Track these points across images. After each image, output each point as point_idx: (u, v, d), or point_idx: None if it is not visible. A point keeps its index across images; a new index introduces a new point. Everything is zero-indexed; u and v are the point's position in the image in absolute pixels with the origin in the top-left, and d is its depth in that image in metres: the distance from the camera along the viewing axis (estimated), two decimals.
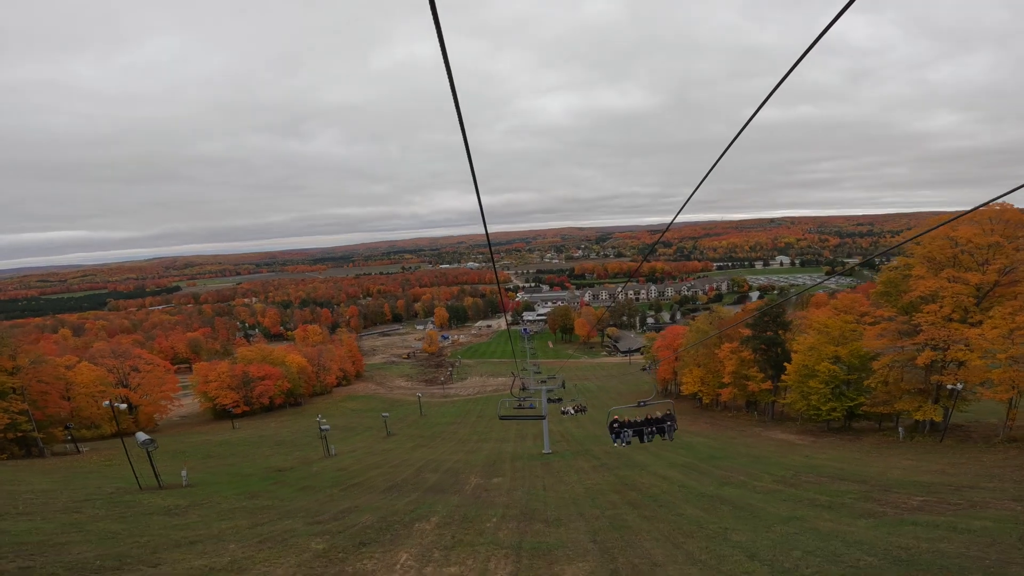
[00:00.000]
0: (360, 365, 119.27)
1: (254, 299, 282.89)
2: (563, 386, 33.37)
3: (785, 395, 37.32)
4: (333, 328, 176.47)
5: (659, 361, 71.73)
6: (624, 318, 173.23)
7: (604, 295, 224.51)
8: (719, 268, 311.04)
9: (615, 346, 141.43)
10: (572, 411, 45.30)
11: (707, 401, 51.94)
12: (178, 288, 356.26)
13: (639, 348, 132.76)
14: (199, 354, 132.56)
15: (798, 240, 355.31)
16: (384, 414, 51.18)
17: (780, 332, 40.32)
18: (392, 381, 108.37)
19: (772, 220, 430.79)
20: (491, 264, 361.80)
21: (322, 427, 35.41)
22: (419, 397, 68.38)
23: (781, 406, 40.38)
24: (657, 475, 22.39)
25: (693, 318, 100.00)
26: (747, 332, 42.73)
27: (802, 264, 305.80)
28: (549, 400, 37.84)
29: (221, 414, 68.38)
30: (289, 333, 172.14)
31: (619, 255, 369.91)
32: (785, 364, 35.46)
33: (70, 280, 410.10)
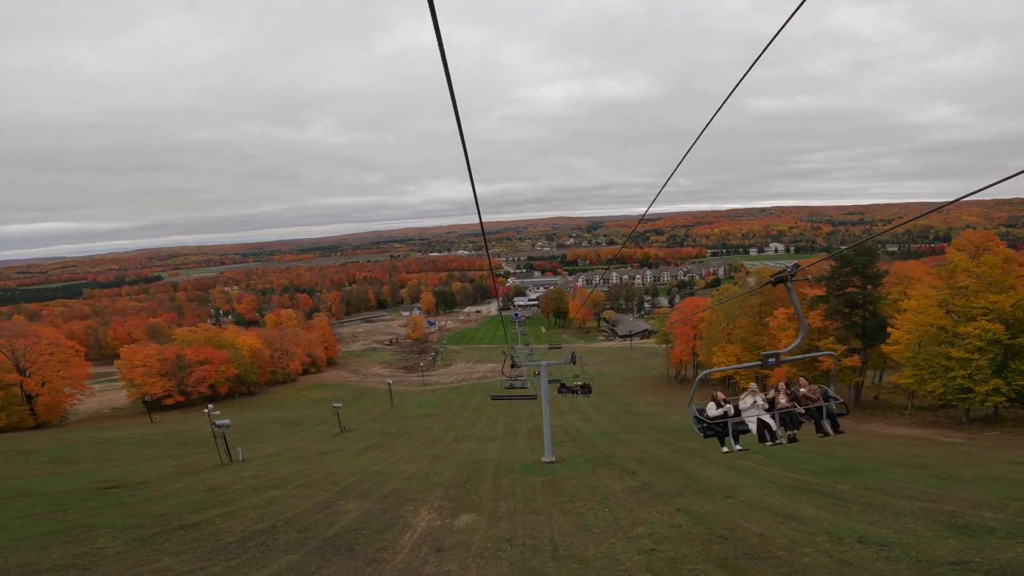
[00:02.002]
0: (334, 351, 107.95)
1: (235, 287, 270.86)
2: (573, 361, 22.39)
3: (869, 372, 26.69)
4: (311, 314, 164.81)
5: (672, 341, 61.21)
6: (621, 302, 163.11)
7: (598, 280, 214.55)
8: (713, 255, 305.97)
9: (613, 330, 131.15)
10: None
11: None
12: (159, 278, 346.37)
13: (640, 332, 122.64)
14: (158, 340, 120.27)
15: (791, 228, 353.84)
16: (336, 405, 40.16)
17: (869, 287, 29.62)
18: (368, 368, 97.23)
19: (763, 209, 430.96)
20: (481, 251, 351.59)
21: (216, 424, 24.25)
22: (389, 384, 57.33)
23: (873, 389, 29.79)
24: (774, 512, 11.57)
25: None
26: (814, 292, 32.08)
27: (796, 251, 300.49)
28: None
29: (156, 405, 56.98)
30: (263, 319, 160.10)
31: (611, 243, 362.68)
32: (890, 329, 24.86)
33: (50, 271, 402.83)
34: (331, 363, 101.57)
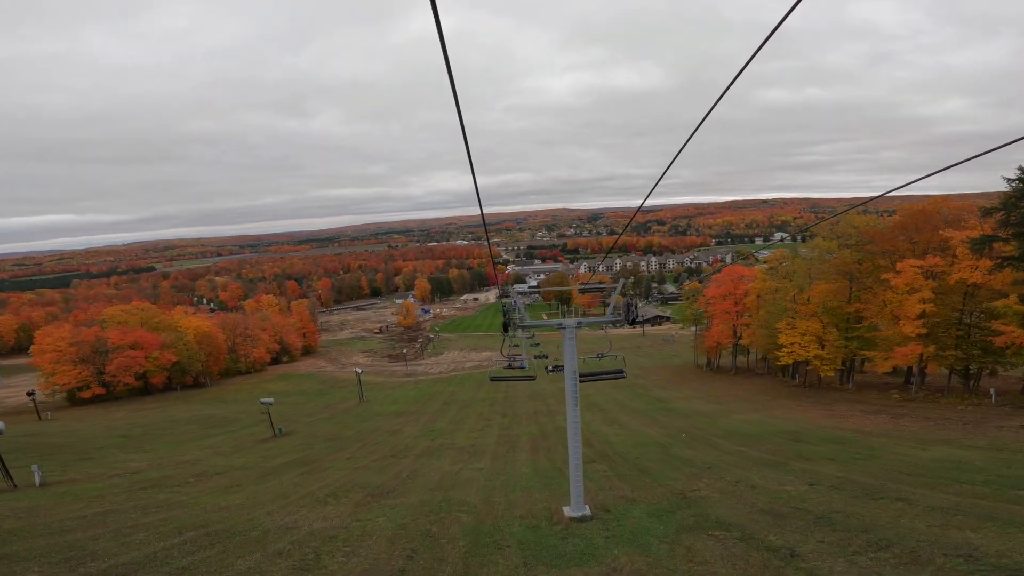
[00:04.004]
0: (313, 339, 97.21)
1: (226, 277, 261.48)
2: (632, 321, 10.79)
3: None
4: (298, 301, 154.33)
5: (706, 322, 50.43)
6: (629, 288, 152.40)
7: (601, 268, 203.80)
8: (717, 244, 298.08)
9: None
10: None
11: (829, 374, 30.51)
12: (152, 269, 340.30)
13: (652, 318, 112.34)
14: None
15: (794, 218, 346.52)
16: (266, 400, 29.53)
17: None
18: (349, 357, 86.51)
19: (764, 201, 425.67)
20: (480, 240, 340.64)
21: None
22: (358, 374, 46.49)
23: None
24: None
25: None
26: (966, 232, 21.40)
27: (803, 240, 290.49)
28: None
29: (73, 398, 46.62)
30: (243, 305, 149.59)
31: (612, 232, 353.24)
32: None
33: (45, 264, 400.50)
34: (309, 351, 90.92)
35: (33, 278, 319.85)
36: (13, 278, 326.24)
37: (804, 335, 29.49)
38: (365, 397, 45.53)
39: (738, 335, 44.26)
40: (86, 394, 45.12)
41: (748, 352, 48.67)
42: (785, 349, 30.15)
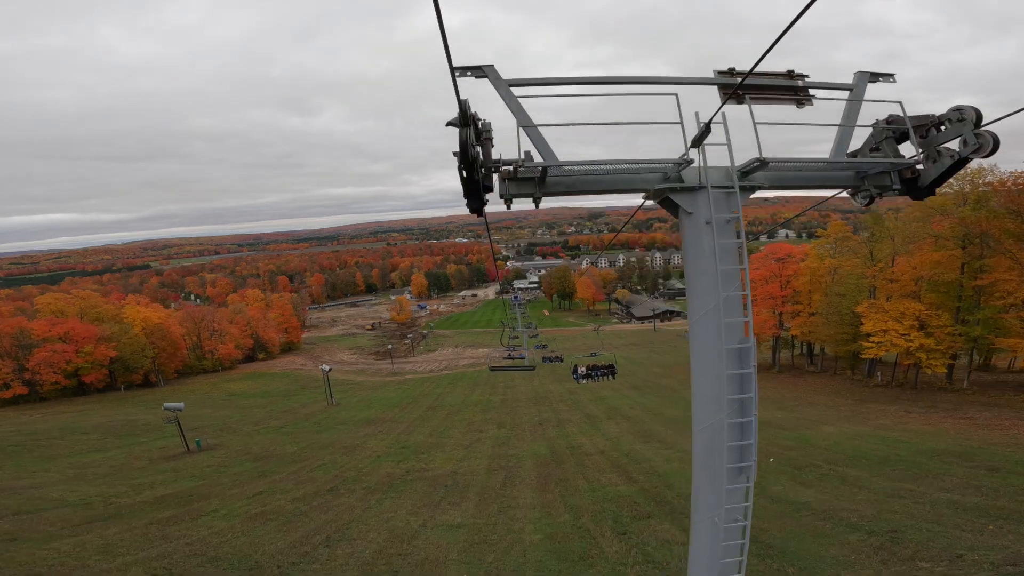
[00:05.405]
0: (296, 335, 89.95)
1: (219, 274, 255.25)
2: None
3: None
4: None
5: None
6: (635, 281, 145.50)
7: (604, 263, 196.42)
8: None
9: (628, 311, 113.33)
10: None
11: (940, 370, 22.35)
12: (148, 267, 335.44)
13: (662, 313, 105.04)
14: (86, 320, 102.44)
15: (797, 216, 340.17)
16: (172, 405, 22.31)
17: None
18: (333, 355, 79.26)
19: (766, 199, 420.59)
20: (480, 238, 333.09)
21: None
22: (325, 371, 38.98)
23: None
24: None
25: None
26: None
27: (809, 237, 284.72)
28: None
29: (7, 398, 39.17)
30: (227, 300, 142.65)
31: (613, 229, 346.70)
32: None
33: (42, 262, 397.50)
34: (290, 348, 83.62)
35: (27, 276, 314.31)
36: (8, 276, 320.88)
37: (904, 322, 22.00)
38: (335, 400, 38.12)
39: (783, 325, 36.85)
40: (6, 394, 37.76)
41: (792, 345, 41.25)
42: (873, 339, 22.71)
